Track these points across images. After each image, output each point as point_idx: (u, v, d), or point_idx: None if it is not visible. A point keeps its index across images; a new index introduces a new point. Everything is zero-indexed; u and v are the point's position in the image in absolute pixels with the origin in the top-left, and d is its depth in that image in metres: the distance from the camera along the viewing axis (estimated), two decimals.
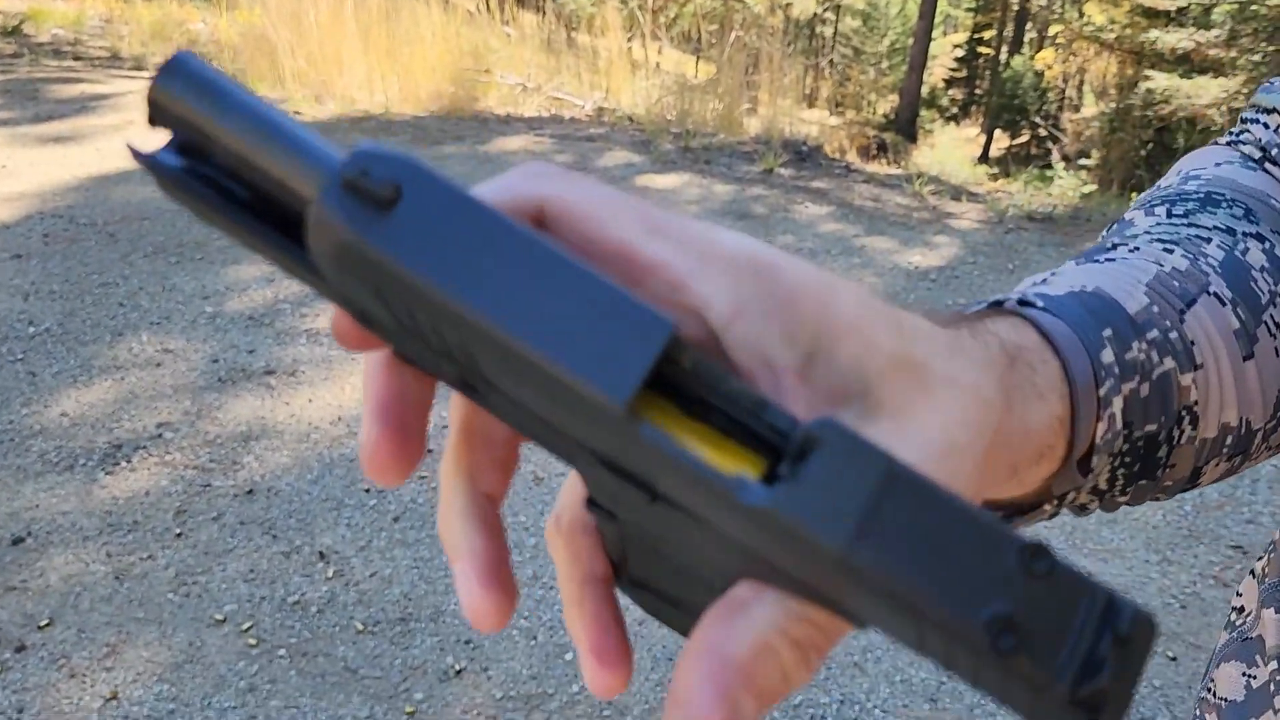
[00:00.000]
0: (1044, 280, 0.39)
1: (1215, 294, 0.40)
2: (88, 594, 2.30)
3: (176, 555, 2.43)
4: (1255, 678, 0.51)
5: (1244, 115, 0.53)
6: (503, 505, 0.28)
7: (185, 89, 0.22)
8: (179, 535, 2.50)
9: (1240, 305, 0.41)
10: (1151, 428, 0.37)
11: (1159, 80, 9.70)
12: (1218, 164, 0.51)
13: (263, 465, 2.80)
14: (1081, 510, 0.39)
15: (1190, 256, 0.41)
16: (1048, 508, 0.37)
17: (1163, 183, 0.51)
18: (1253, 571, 0.55)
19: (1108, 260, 0.41)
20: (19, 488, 2.62)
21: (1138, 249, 0.42)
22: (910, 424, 0.23)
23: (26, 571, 2.35)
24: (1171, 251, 0.42)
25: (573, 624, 0.28)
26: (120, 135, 5.69)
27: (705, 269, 0.23)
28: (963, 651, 0.19)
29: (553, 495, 2.73)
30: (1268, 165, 0.50)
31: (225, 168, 0.23)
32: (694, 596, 0.25)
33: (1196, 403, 0.38)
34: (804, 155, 6.22)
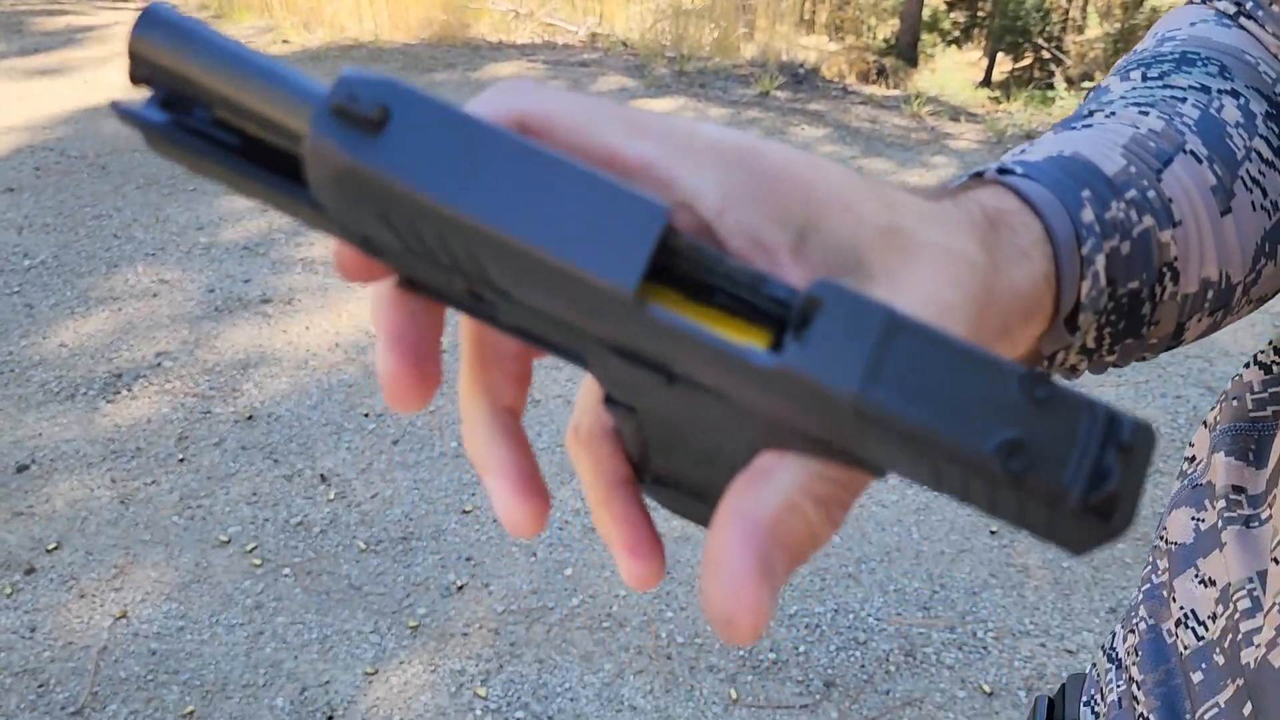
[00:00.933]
0: (1023, 150, 0.39)
1: (1191, 152, 0.40)
2: (94, 518, 2.33)
3: (180, 480, 2.46)
4: (1204, 521, 0.52)
5: None
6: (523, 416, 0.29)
7: (165, 38, 0.22)
8: (181, 460, 2.53)
9: (1216, 162, 0.41)
10: (1134, 285, 0.37)
11: None
12: (1192, 23, 0.50)
13: (262, 392, 2.82)
14: (1072, 372, 0.39)
15: (1166, 117, 0.42)
16: (1038, 369, 0.38)
17: (1139, 47, 0.51)
18: (1205, 422, 0.57)
19: (1085, 126, 0.41)
20: (21, 417, 2.65)
21: (1114, 114, 0.42)
22: (904, 288, 0.24)
23: (33, 497, 2.38)
24: (1147, 113, 0.42)
25: (603, 525, 0.28)
26: (108, 67, 5.62)
27: (691, 162, 0.24)
28: (977, 479, 0.20)
29: (550, 416, 2.75)
30: (1243, 20, 0.50)
31: (212, 117, 0.23)
32: (716, 482, 0.26)
33: (1176, 259, 0.38)
34: (801, 78, 6.14)
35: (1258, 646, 0.45)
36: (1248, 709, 0.45)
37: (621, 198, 0.20)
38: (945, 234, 0.26)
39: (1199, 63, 0.46)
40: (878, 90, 6.92)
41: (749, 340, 0.21)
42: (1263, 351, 0.53)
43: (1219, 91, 0.44)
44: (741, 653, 2.03)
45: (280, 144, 0.23)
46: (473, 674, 1.98)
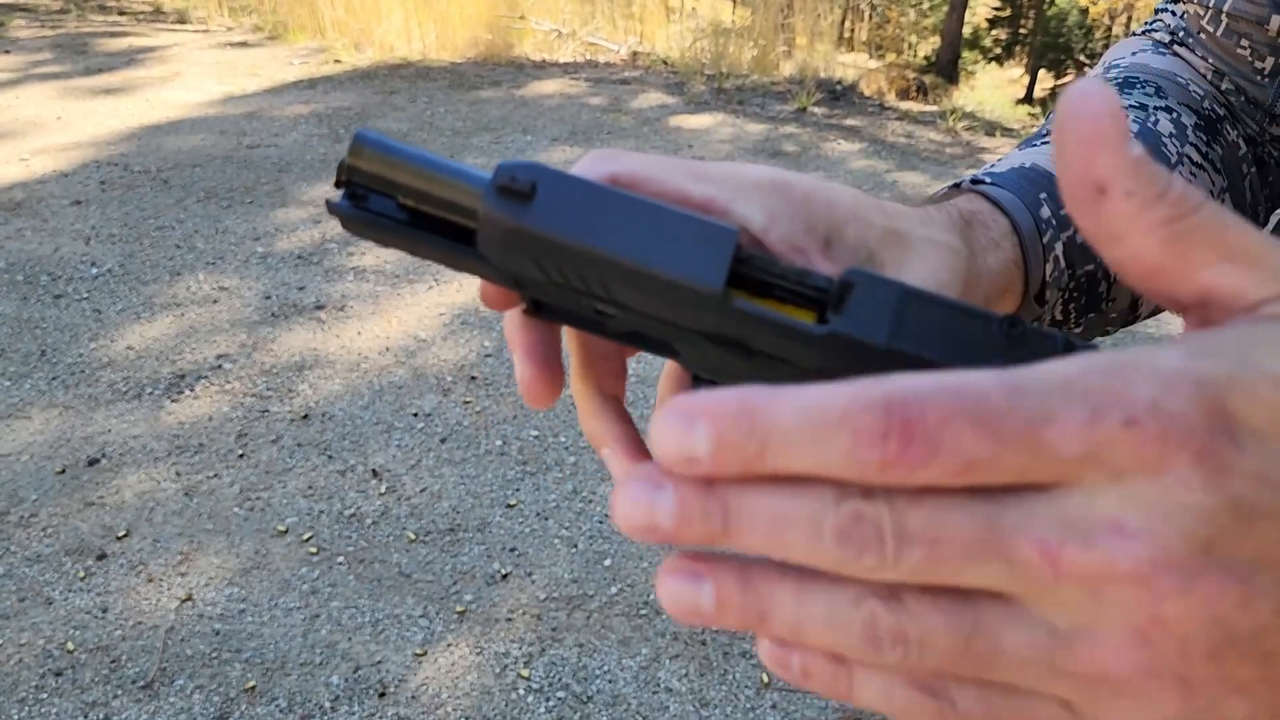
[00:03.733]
0: (992, 165, 0.49)
1: None
2: (160, 509, 2.47)
3: (240, 474, 2.60)
4: None
5: (1157, 7, 0.63)
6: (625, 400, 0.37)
7: (374, 155, 0.30)
8: (241, 456, 2.66)
9: None
10: (1090, 267, 0.46)
11: None
12: (1134, 53, 0.60)
13: (316, 392, 2.95)
14: None
15: None
16: (1012, 315, 0.47)
17: (1091, 74, 0.60)
18: None
19: (1043, 143, 0.51)
20: (91, 414, 2.80)
21: None
22: (907, 272, 0.33)
23: (103, 489, 2.52)
24: None
25: None
26: (169, 86, 5.84)
27: (741, 196, 0.31)
28: None
29: None
30: (1176, 48, 0.59)
31: (396, 203, 0.30)
32: None
33: None
34: (838, 95, 6.22)
35: None
36: None
37: (705, 226, 0.28)
38: (933, 231, 0.35)
39: (1138, 85, 0.55)
40: (914, 106, 6.99)
41: (802, 317, 0.28)
42: None
43: (1155, 108, 0.53)
44: None
45: (448, 217, 0.31)
46: (516, 656, 2.08)
